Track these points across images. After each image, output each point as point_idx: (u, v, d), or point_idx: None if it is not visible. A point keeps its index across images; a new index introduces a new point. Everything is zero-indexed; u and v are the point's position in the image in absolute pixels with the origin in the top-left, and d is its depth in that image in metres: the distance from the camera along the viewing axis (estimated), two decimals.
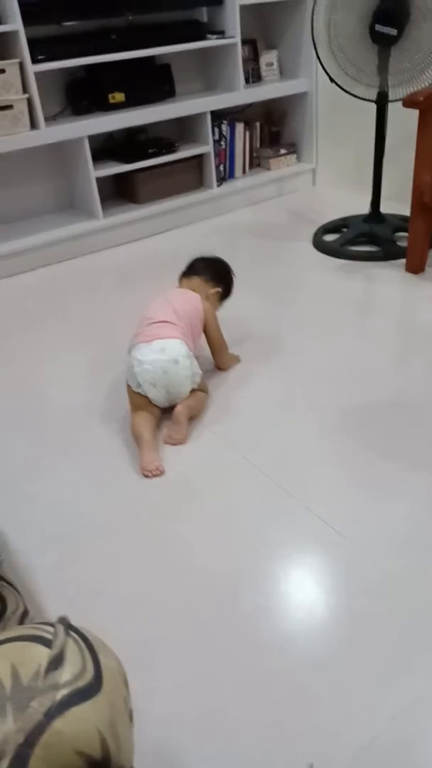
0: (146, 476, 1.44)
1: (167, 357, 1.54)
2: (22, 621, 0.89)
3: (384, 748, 0.89)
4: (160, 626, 1.10)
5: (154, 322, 1.61)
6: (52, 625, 0.57)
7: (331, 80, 2.33)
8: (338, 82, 2.34)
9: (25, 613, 0.93)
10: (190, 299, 1.71)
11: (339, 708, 0.95)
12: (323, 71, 2.34)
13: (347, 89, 2.35)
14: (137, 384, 1.55)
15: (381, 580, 1.14)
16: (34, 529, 1.33)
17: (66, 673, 0.51)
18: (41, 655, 0.52)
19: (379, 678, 0.98)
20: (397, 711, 0.93)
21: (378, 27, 2.13)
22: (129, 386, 1.59)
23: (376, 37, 2.19)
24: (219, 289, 1.83)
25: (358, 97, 2.36)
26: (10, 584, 1.01)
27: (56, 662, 0.52)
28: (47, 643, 0.54)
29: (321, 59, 2.31)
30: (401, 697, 0.95)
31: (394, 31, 2.14)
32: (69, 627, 0.57)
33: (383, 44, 2.20)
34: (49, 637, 0.55)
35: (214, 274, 1.84)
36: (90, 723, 0.50)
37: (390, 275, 2.34)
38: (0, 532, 1.28)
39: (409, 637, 1.04)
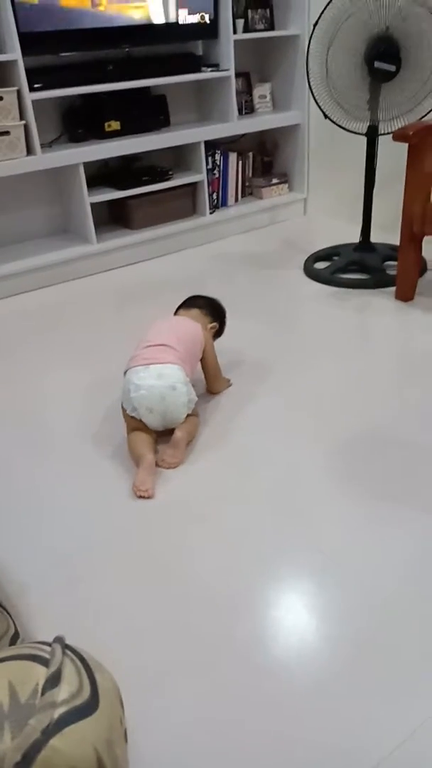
0: (139, 496, 1.44)
1: (165, 383, 1.54)
2: (13, 642, 0.89)
3: None
4: (159, 651, 1.09)
5: (152, 345, 1.62)
6: (48, 644, 0.57)
7: (326, 116, 2.39)
8: (332, 119, 2.40)
9: (16, 635, 0.92)
10: (191, 326, 1.73)
11: (343, 734, 0.94)
12: (316, 105, 2.40)
13: (341, 124, 2.41)
14: (132, 408, 1.55)
15: (379, 607, 1.15)
16: (32, 551, 1.33)
17: (63, 692, 0.52)
18: (39, 673, 0.53)
19: (387, 701, 0.98)
20: (402, 738, 0.93)
21: (377, 64, 2.20)
22: (124, 409, 1.59)
23: (375, 73, 2.25)
24: (216, 324, 1.87)
25: (351, 131, 2.43)
26: (1, 606, 1.01)
27: (53, 681, 0.52)
28: (45, 662, 0.54)
29: (315, 96, 2.37)
30: (409, 720, 0.95)
31: (393, 68, 2.21)
32: (66, 646, 0.57)
33: (380, 80, 2.26)
34: (47, 656, 0.55)
35: (212, 310, 1.88)
36: (87, 741, 0.50)
37: (380, 303, 2.38)
38: None
39: (410, 664, 1.04)
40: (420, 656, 1.05)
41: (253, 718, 0.98)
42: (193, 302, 1.88)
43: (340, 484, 1.46)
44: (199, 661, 1.07)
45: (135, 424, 1.57)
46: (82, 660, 0.56)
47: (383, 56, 2.20)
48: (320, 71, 2.31)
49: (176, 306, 1.93)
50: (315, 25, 2.24)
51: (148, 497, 1.44)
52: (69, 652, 0.56)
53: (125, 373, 1.61)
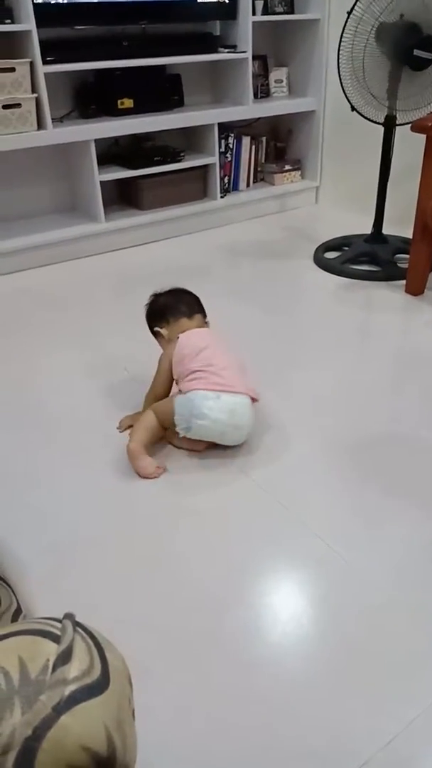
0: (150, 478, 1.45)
1: (232, 422, 1.44)
2: (15, 618, 0.88)
3: None
4: (153, 642, 1.08)
5: (221, 369, 1.47)
6: (59, 620, 0.56)
7: (353, 109, 2.36)
8: (355, 106, 2.36)
9: (19, 610, 0.91)
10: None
11: (332, 731, 0.93)
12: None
13: (363, 113, 2.37)
14: (186, 429, 1.45)
15: (379, 606, 1.14)
16: (28, 536, 1.31)
17: (74, 669, 0.51)
18: (49, 649, 0.51)
19: (372, 702, 0.97)
20: (390, 736, 0.92)
21: (417, 52, 2.16)
22: (169, 419, 1.47)
23: (411, 62, 2.21)
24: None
25: (372, 120, 2.39)
26: (3, 580, 0.99)
27: (64, 657, 0.51)
28: (55, 638, 0.53)
29: (343, 83, 2.33)
30: (394, 722, 0.94)
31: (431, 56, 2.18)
32: (76, 623, 0.56)
33: (414, 68, 2.23)
34: (57, 632, 0.54)
35: (201, 305, 1.68)
36: (98, 720, 0.49)
37: (390, 296, 2.36)
38: None
39: (404, 663, 1.04)
40: (411, 656, 1.04)
41: (240, 712, 0.97)
42: (192, 307, 1.64)
43: (340, 479, 1.45)
44: (187, 654, 1.06)
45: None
46: (93, 638, 0.55)
47: (422, 45, 2.16)
48: (348, 58, 2.26)
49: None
50: (349, 12, 2.19)
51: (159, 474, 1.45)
52: (80, 630, 0.54)
53: (183, 388, 1.47)
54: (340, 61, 2.28)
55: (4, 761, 0.45)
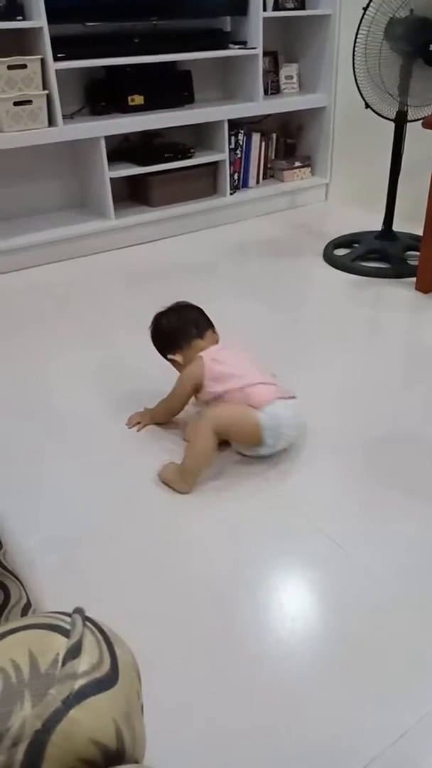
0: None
1: (300, 421, 1.50)
2: (25, 612, 0.88)
3: None
4: (159, 636, 1.08)
5: (268, 375, 1.50)
6: (68, 615, 0.56)
7: (367, 106, 2.35)
8: (373, 108, 2.34)
9: (28, 605, 0.92)
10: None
11: (339, 727, 0.94)
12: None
13: (376, 110, 2.36)
14: (275, 440, 1.44)
15: (386, 604, 1.13)
16: (37, 531, 1.32)
17: (84, 664, 0.51)
18: (59, 644, 0.52)
19: (381, 699, 0.98)
20: (399, 733, 0.92)
21: None
22: (250, 428, 1.42)
23: (426, 56, 2.20)
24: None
25: (384, 117, 2.38)
26: (13, 574, 1.00)
27: (74, 652, 0.51)
28: (65, 632, 0.53)
29: (357, 80, 2.31)
30: (403, 719, 0.94)
31: None
32: (85, 618, 0.56)
33: (430, 63, 2.22)
34: (67, 626, 0.54)
35: (208, 320, 1.62)
36: (107, 714, 0.50)
37: (399, 293, 2.35)
38: (2, 519, 1.27)
39: (410, 662, 1.04)
40: (418, 655, 1.04)
41: (246, 708, 0.97)
42: (203, 322, 1.59)
43: (349, 477, 1.45)
44: (194, 649, 1.06)
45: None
46: (102, 632, 0.55)
47: None
48: (362, 54, 2.25)
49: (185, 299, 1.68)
50: (365, 8, 2.18)
51: None
52: (89, 624, 0.55)
53: (264, 408, 1.42)
54: (355, 58, 2.26)
55: (14, 753, 0.46)
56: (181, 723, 0.95)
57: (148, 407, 1.63)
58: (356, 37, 2.23)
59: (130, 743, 0.51)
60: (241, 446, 1.49)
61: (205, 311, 1.61)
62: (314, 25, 3.08)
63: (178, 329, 1.55)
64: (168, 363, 1.59)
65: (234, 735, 0.93)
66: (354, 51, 2.26)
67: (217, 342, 1.58)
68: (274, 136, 3.30)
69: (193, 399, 1.56)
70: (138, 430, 1.61)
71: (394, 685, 0.99)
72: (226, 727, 0.94)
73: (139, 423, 1.61)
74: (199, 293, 1.63)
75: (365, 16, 2.18)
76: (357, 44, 2.24)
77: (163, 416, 1.61)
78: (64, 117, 2.55)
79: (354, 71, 2.29)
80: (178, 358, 1.56)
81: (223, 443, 1.50)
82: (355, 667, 1.02)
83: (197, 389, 1.51)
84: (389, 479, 1.43)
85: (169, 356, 1.58)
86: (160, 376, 1.63)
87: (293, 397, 1.48)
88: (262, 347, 1.93)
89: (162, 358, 1.60)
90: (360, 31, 2.22)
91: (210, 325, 1.59)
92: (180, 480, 1.40)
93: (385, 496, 1.38)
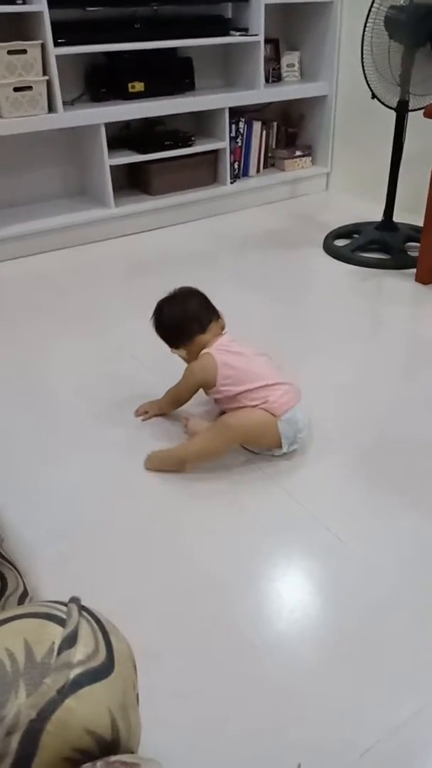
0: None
1: (307, 421, 1.48)
2: (22, 601, 0.89)
3: (379, 762, 0.88)
4: (158, 629, 1.09)
5: (281, 374, 1.48)
6: (64, 604, 0.56)
7: (374, 96, 2.33)
8: (380, 99, 2.32)
9: (25, 594, 0.92)
10: None
11: (336, 719, 0.94)
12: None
13: (381, 99, 2.34)
14: (290, 444, 1.44)
15: (387, 597, 1.14)
16: (36, 520, 1.31)
17: (79, 653, 0.51)
18: (55, 633, 0.52)
19: (379, 692, 0.98)
20: (395, 726, 0.93)
21: None
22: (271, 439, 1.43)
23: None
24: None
25: (388, 106, 2.36)
26: (11, 563, 1.00)
27: (70, 641, 0.51)
28: (60, 621, 0.53)
29: (367, 77, 2.29)
30: (399, 712, 0.95)
31: None
32: (81, 608, 0.56)
33: None
34: (63, 616, 0.54)
35: (211, 308, 1.58)
36: (102, 704, 0.50)
37: (399, 284, 2.34)
38: (1, 509, 1.27)
39: (408, 655, 1.04)
40: (418, 647, 1.05)
41: (245, 698, 0.97)
42: (205, 312, 1.55)
43: (350, 471, 1.45)
44: (193, 639, 1.07)
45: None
46: (98, 622, 0.55)
47: None
48: (369, 43, 2.23)
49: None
50: None
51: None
52: (85, 614, 0.55)
53: (283, 415, 1.41)
54: (363, 47, 2.24)
55: (9, 742, 0.46)
56: (177, 713, 0.95)
57: (149, 399, 1.63)
58: (365, 26, 2.21)
59: (125, 733, 0.51)
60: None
61: None
62: (316, 13, 3.05)
63: (180, 325, 1.52)
64: (166, 353, 1.59)
65: (230, 725, 0.94)
66: (363, 40, 2.23)
67: (222, 329, 1.55)
68: (274, 124, 3.27)
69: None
70: (143, 420, 1.61)
71: (393, 678, 1.00)
72: (222, 718, 0.95)
73: (146, 413, 1.61)
74: (199, 282, 1.61)
75: (373, 5, 2.16)
76: (365, 33, 2.21)
77: (169, 407, 1.61)
78: (64, 103, 2.53)
79: (362, 61, 2.27)
80: (181, 353, 1.55)
81: None
82: (354, 660, 1.02)
83: (206, 387, 1.49)
84: (391, 473, 1.43)
85: (173, 350, 1.56)
86: (159, 365, 1.62)
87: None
88: (260, 337, 1.92)
89: (166, 347, 1.58)
90: (368, 20, 2.19)
91: (213, 313, 1.55)
92: (168, 463, 1.44)
93: (386, 490, 1.38)
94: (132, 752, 0.53)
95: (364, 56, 2.27)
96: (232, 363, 1.45)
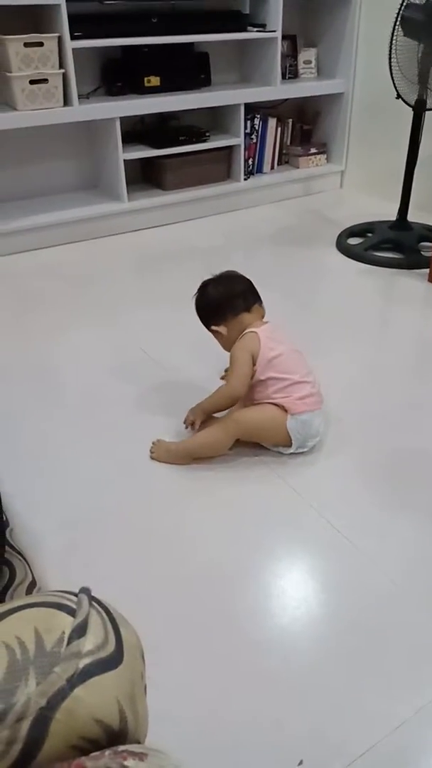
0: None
1: (322, 428, 1.48)
2: (30, 591, 0.89)
3: (380, 759, 0.88)
4: (162, 621, 1.09)
5: (311, 374, 1.47)
6: (74, 594, 0.56)
7: (398, 96, 2.31)
8: (404, 98, 2.31)
9: (33, 584, 0.92)
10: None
11: (339, 714, 0.94)
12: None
13: (406, 100, 2.33)
14: (301, 445, 1.44)
15: (391, 594, 1.14)
16: (44, 510, 1.32)
17: (89, 643, 0.51)
18: (65, 622, 0.52)
19: (381, 688, 0.98)
20: (399, 723, 0.93)
21: None
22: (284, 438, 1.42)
23: None
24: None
25: (408, 104, 2.35)
26: (19, 553, 1.01)
27: (80, 631, 0.52)
28: (71, 611, 0.53)
29: (394, 77, 2.28)
30: (402, 709, 0.95)
31: None
32: (92, 598, 0.56)
33: None
34: (73, 606, 0.54)
35: (256, 291, 1.55)
36: (110, 694, 0.50)
37: (411, 284, 2.33)
38: (10, 498, 1.27)
39: (414, 651, 1.04)
40: (421, 645, 1.04)
41: (248, 691, 0.98)
42: (251, 295, 1.52)
43: (356, 469, 1.45)
44: (197, 631, 1.07)
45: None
46: (108, 613, 0.55)
47: None
48: (395, 41, 2.21)
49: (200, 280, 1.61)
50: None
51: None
52: (95, 604, 0.55)
53: (300, 414, 1.40)
54: (391, 47, 2.22)
55: (18, 729, 0.46)
56: (184, 705, 0.96)
57: (158, 391, 1.63)
58: (394, 24, 2.20)
59: (132, 723, 0.51)
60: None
61: None
62: (334, 9, 3.04)
63: (227, 300, 1.48)
64: (175, 347, 1.59)
65: (235, 718, 0.94)
66: (392, 39, 2.21)
67: (262, 316, 1.52)
68: (290, 121, 3.26)
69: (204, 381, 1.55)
70: (195, 430, 1.50)
71: (394, 674, 0.99)
72: (227, 710, 0.95)
73: (193, 423, 1.51)
74: None
75: (402, 3, 2.15)
76: (394, 32, 2.20)
77: (226, 402, 1.48)
78: (80, 97, 2.53)
79: (390, 60, 2.25)
80: (222, 329, 1.49)
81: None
82: (356, 657, 1.02)
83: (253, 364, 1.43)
84: (397, 472, 1.43)
85: (213, 327, 1.50)
86: (169, 358, 1.62)
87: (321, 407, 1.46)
88: None
89: (179, 339, 1.56)
90: (397, 19, 2.19)
91: (257, 299, 1.52)
92: (176, 456, 1.44)
93: (393, 487, 1.38)
94: (139, 742, 0.53)
95: (391, 55, 2.25)
96: (274, 347, 1.43)
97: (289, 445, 1.43)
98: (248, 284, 1.53)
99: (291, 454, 1.45)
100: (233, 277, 1.53)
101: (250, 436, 1.45)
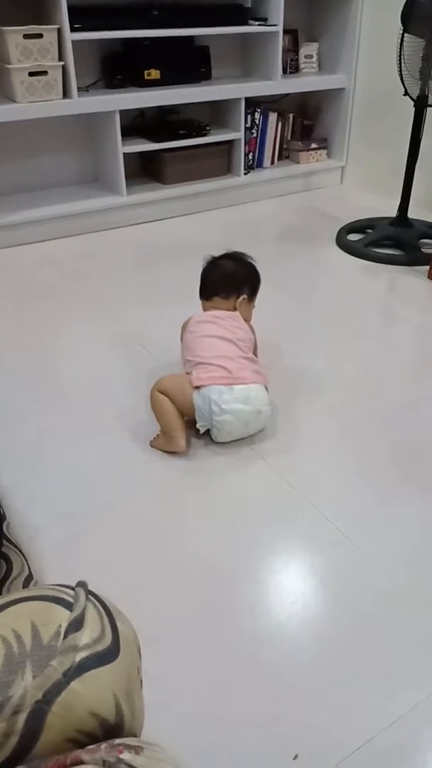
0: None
1: (251, 408, 1.42)
2: (26, 584, 0.89)
3: (375, 754, 0.89)
4: (160, 614, 1.09)
5: (227, 359, 1.47)
6: (71, 588, 0.56)
7: (405, 93, 2.31)
8: (411, 95, 2.30)
9: (30, 577, 0.93)
10: (240, 324, 1.58)
11: (335, 709, 0.94)
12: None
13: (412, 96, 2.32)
14: (213, 427, 1.44)
15: (389, 589, 1.14)
16: (41, 504, 1.32)
17: (86, 637, 0.51)
18: (62, 616, 0.52)
19: (378, 684, 0.98)
20: (394, 718, 0.93)
21: None
22: (192, 417, 1.46)
23: None
24: (244, 296, 1.65)
25: (413, 99, 2.34)
26: (16, 547, 1.01)
27: (76, 624, 0.52)
28: (68, 605, 0.53)
29: (402, 74, 2.27)
30: (399, 705, 0.95)
31: None
32: (88, 592, 0.56)
33: None
34: (70, 599, 0.54)
35: (230, 283, 1.63)
36: (107, 687, 0.50)
37: (411, 281, 2.33)
38: (6, 492, 1.28)
39: (411, 647, 1.04)
40: (419, 640, 1.05)
41: (246, 685, 0.98)
42: (209, 289, 1.64)
43: (355, 463, 1.45)
44: (194, 625, 1.07)
45: (180, 408, 1.46)
46: (105, 606, 0.55)
47: None
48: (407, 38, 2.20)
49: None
50: None
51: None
52: (92, 598, 0.55)
53: (197, 385, 1.43)
54: (403, 42, 2.21)
55: (14, 722, 0.46)
56: (180, 699, 0.96)
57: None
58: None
59: (128, 717, 0.51)
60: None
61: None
62: (336, 4, 3.02)
63: (201, 283, 1.66)
64: (174, 341, 1.61)
65: (231, 713, 0.94)
66: (401, 36, 2.20)
67: (229, 309, 1.62)
68: (291, 116, 3.25)
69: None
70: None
71: (392, 669, 1.00)
72: (224, 704, 0.95)
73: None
74: None
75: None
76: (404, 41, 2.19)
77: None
78: (79, 89, 2.52)
79: (399, 58, 2.23)
80: (251, 303, 1.69)
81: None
82: (353, 653, 1.02)
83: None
84: (397, 466, 1.43)
85: (248, 297, 1.68)
86: (167, 352, 1.62)
87: (255, 382, 1.45)
88: (269, 330, 1.92)
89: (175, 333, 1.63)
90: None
91: (223, 290, 1.63)
92: (163, 441, 1.46)
93: (391, 482, 1.38)
94: (136, 736, 0.53)
95: (401, 53, 2.23)
96: (191, 330, 1.56)
97: (195, 417, 1.46)
98: (224, 275, 1.66)
99: (283, 445, 1.46)
100: (217, 263, 1.67)
101: (165, 391, 1.47)
